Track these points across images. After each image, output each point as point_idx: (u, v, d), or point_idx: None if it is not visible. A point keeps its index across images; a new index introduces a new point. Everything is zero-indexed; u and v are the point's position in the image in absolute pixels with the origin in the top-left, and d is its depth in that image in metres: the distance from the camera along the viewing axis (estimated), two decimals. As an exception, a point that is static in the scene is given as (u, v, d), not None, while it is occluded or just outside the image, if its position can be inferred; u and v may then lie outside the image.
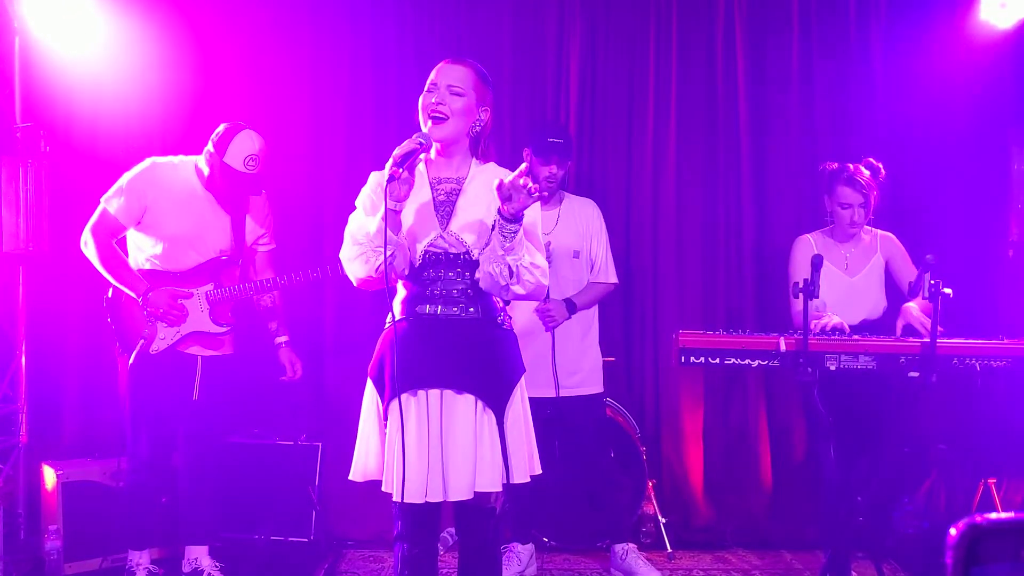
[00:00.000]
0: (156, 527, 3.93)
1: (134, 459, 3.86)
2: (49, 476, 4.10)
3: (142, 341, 3.76)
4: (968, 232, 4.67)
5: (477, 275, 2.72)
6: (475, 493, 2.69)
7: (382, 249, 2.61)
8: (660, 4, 4.80)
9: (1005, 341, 3.51)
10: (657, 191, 4.79)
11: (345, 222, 4.70)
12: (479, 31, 4.79)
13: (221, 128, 3.74)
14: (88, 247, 3.79)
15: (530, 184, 2.55)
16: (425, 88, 2.76)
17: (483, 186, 2.75)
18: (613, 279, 4.16)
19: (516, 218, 2.60)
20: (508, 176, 2.60)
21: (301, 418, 4.67)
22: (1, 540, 4.11)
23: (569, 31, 4.80)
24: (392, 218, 2.62)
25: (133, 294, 3.74)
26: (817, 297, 3.36)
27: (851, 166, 3.81)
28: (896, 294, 3.90)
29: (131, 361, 3.78)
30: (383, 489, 2.74)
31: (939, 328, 3.33)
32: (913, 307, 3.66)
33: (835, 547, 3.59)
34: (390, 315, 2.82)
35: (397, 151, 2.62)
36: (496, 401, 2.72)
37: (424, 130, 2.73)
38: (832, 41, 4.75)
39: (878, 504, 4.00)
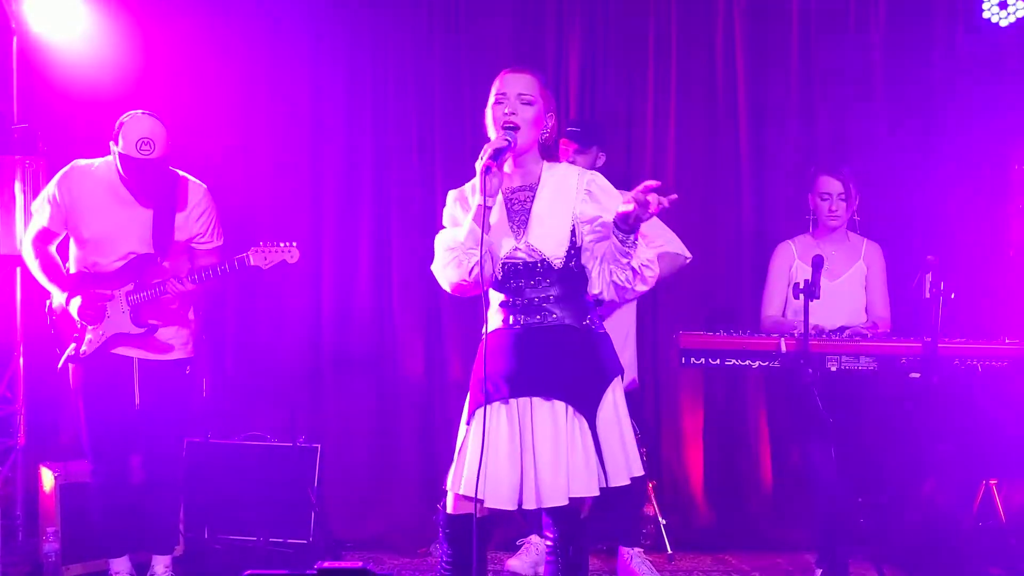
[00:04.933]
0: (128, 531, 3.84)
1: (91, 463, 3.82)
2: (47, 478, 4.08)
3: (73, 345, 3.70)
4: (969, 232, 4.67)
5: (595, 290, 2.73)
6: (570, 499, 2.68)
7: (474, 251, 2.64)
8: (659, 3, 4.79)
9: (1006, 342, 3.51)
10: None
11: (344, 221, 4.76)
12: (478, 31, 4.77)
13: (119, 119, 3.60)
14: (24, 252, 3.78)
15: (652, 198, 2.55)
16: (492, 99, 2.76)
17: (555, 189, 2.77)
18: (683, 251, 4.06)
19: (634, 228, 2.60)
20: (589, 173, 2.76)
21: (300, 420, 4.65)
22: (-1, 542, 4.11)
23: (568, 31, 4.79)
24: (485, 214, 2.62)
25: (59, 294, 3.69)
26: (818, 298, 3.35)
27: (835, 163, 3.84)
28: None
29: (59, 365, 3.73)
30: (461, 492, 2.68)
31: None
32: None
33: (834, 549, 3.59)
34: (484, 327, 2.82)
35: (489, 145, 2.64)
36: (585, 406, 2.71)
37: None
38: (832, 40, 4.74)
39: (878, 505, 4.00)
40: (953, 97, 4.65)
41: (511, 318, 2.76)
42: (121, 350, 3.73)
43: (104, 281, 3.70)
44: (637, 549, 4.15)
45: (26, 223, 4.34)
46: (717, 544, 4.60)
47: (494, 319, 2.80)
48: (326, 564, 1.22)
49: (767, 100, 4.78)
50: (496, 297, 2.80)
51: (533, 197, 2.78)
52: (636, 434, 4.44)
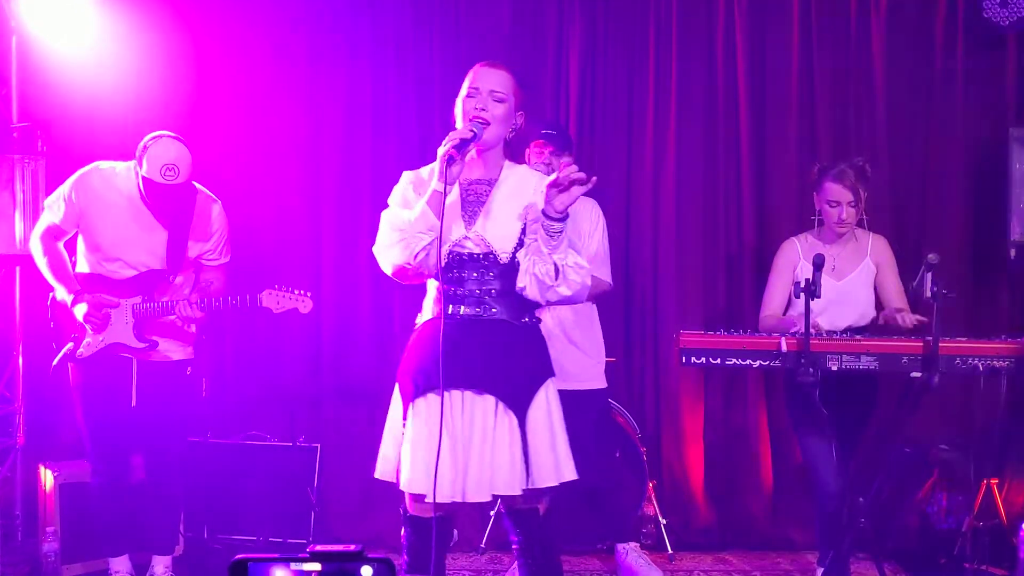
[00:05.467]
0: (127, 531, 3.84)
1: (92, 462, 3.81)
2: (47, 478, 4.08)
3: (70, 344, 3.69)
4: (969, 232, 4.66)
5: (520, 284, 2.72)
6: (503, 496, 2.70)
7: (422, 236, 2.64)
8: (660, 2, 4.78)
9: (1007, 341, 3.50)
10: (657, 190, 4.78)
11: (343, 224, 4.75)
12: (478, 31, 4.77)
13: (144, 140, 3.57)
14: (32, 246, 3.76)
15: (574, 173, 2.54)
16: (464, 92, 2.76)
17: (513, 188, 2.77)
18: (607, 278, 4.06)
19: (563, 216, 2.60)
20: (547, 179, 2.65)
21: (299, 420, 4.65)
22: (-1, 542, 4.10)
23: (568, 30, 4.78)
24: (440, 200, 2.60)
25: (66, 294, 3.66)
26: (819, 297, 3.34)
27: (840, 164, 3.73)
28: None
29: (54, 363, 3.71)
30: (403, 488, 2.73)
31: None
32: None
33: (835, 549, 3.58)
34: (419, 316, 2.83)
35: (454, 134, 2.63)
36: (516, 403, 2.71)
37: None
38: (832, 39, 4.74)
39: (879, 505, 3.99)
40: (953, 95, 4.65)
41: (450, 307, 2.73)
42: (118, 351, 3.72)
43: (112, 288, 3.67)
44: (633, 544, 4.15)
45: (26, 223, 4.34)
46: (718, 544, 4.60)
47: (430, 308, 2.79)
48: (319, 547, 1.21)
49: (768, 97, 4.77)
50: (434, 284, 2.78)
51: (490, 191, 2.77)
52: (636, 434, 4.47)
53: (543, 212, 2.61)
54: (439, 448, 2.62)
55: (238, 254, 3.98)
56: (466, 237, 2.72)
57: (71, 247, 3.79)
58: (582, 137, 4.74)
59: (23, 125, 4.46)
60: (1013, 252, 4.51)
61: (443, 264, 2.69)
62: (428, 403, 2.71)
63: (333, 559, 1.20)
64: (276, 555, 1.20)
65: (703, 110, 4.78)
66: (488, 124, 2.71)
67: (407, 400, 2.75)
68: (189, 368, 3.84)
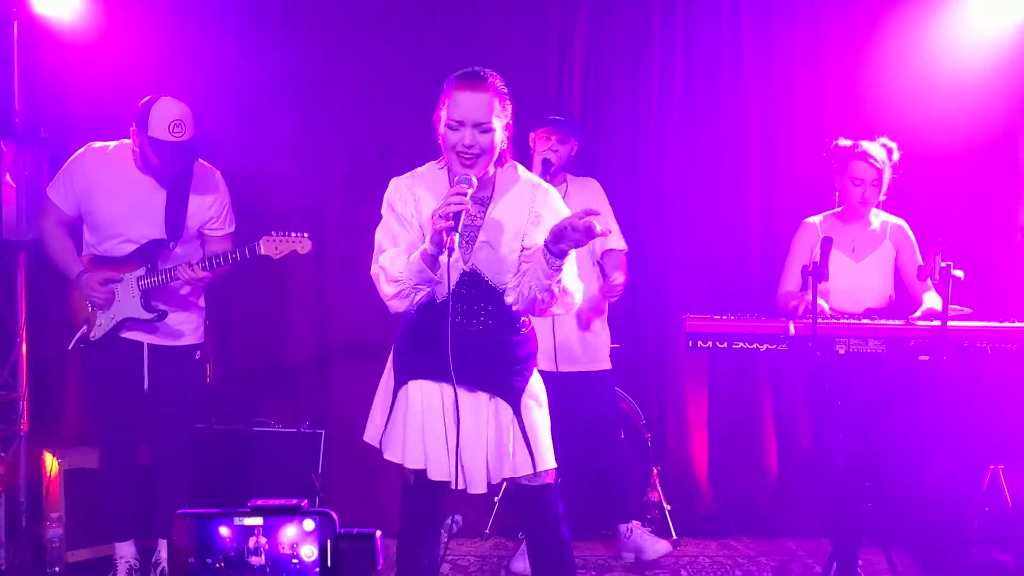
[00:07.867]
0: (134, 516, 3.84)
1: (100, 447, 3.83)
2: (51, 464, 4.08)
3: (84, 327, 3.70)
4: (977, 217, 4.64)
5: (508, 299, 2.73)
6: (513, 484, 2.81)
7: (421, 288, 2.64)
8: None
9: (1016, 324, 3.48)
10: (663, 174, 4.75)
11: (344, 213, 4.72)
12: (482, 16, 4.73)
13: (142, 102, 3.58)
14: (41, 235, 3.79)
15: (595, 225, 2.46)
16: (445, 117, 2.63)
17: (510, 207, 2.74)
18: (623, 245, 4.21)
19: (564, 253, 2.56)
20: (545, 189, 2.76)
21: (304, 405, 4.64)
22: (3, 528, 4.09)
23: (572, 19, 4.75)
24: (433, 263, 2.60)
25: (69, 277, 3.69)
26: (826, 280, 3.32)
27: (864, 142, 3.74)
28: (901, 285, 3.86)
29: (70, 347, 3.73)
30: (406, 464, 2.80)
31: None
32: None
33: (842, 534, 3.56)
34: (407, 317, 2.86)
35: (447, 210, 2.50)
36: (510, 394, 2.78)
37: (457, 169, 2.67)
38: (842, 22, 4.70)
39: (886, 490, 3.98)
40: (962, 80, 4.60)
41: (453, 316, 2.67)
42: (131, 334, 3.72)
43: (115, 265, 3.69)
44: (635, 522, 4.15)
45: (30, 208, 4.32)
46: (722, 530, 4.59)
47: (423, 313, 2.77)
48: (259, 501, 1.22)
49: (773, 76, 4.74)
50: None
51: (484, 212, 2.73)
52: (641, 420, 4.46)
53: (546, 247, 2.55)
54: (458, 442, 2.73)
55: (244, 238, 3.96)
56: (463, 269, 2.70)
57: (80, 237, 3.79)
58: (586, 117, 4.72)
59: (25, 111, 4.44)
60: (1020, 237, 4.50)
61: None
62: (421, 388, 2.78)
63: (274, 512, 1.21)
64: (218, 510, 1.20)
65: (708, 91, 4.75)
66: (478, 156, 2.62)
67: (399, 381, 2.82)
68: (198, 352, 3.85)
